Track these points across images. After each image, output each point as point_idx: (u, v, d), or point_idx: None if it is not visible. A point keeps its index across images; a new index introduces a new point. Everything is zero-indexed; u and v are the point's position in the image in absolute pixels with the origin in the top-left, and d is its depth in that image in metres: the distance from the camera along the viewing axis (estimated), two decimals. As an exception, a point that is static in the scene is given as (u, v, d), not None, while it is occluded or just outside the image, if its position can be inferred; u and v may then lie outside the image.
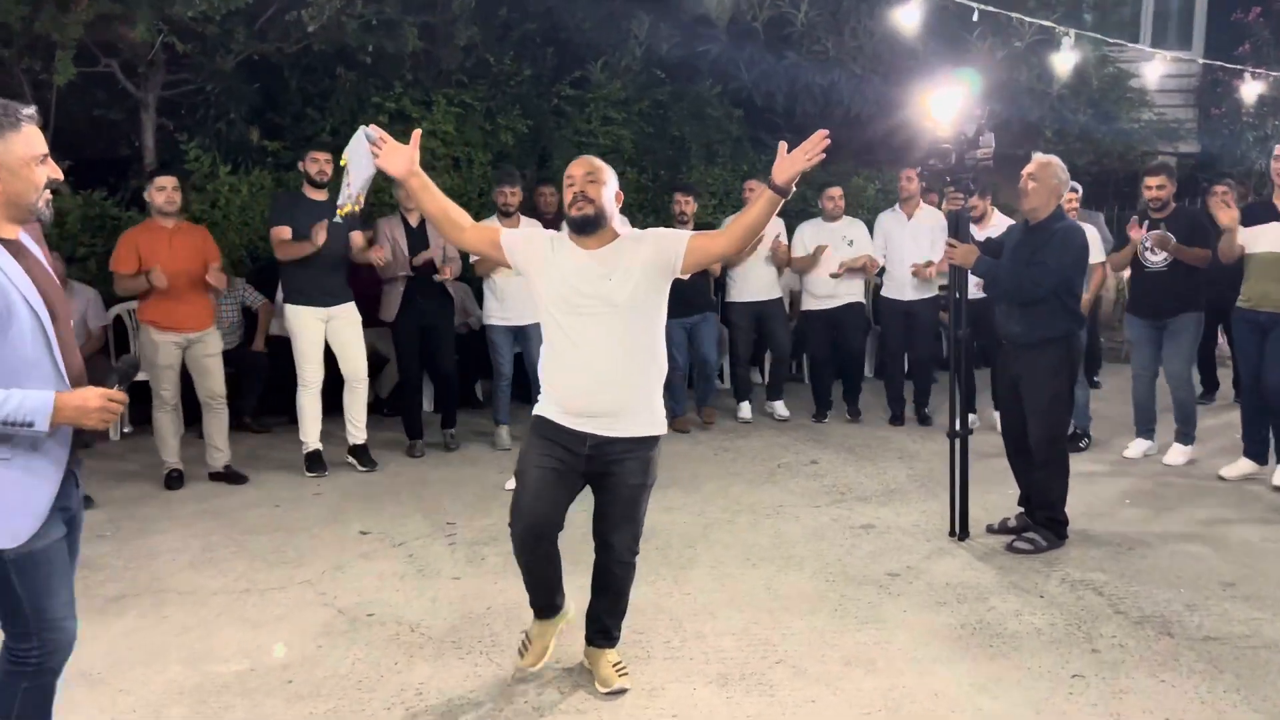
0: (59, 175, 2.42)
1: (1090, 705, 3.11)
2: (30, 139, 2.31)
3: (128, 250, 5.46)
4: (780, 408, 7.28)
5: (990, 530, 4.75)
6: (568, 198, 2.97)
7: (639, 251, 2.98)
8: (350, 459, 5.97)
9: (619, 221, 3.05)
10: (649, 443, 3.06)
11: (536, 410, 3.08)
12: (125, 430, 6.90)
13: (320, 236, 5.47)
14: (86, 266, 6.86)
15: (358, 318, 5.92)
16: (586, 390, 2.95)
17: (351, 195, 3.11)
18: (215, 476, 5.69)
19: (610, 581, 3.19)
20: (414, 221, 6.18)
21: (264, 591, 4.06)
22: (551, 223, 6.42)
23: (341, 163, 3.19)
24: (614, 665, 3.23)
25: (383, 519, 4.98)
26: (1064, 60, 7.22)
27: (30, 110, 2.35)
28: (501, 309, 6.29)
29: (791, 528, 4.83)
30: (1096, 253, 6.28)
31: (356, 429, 5.97)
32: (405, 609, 3.87)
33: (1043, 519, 4.54)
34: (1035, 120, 9.30)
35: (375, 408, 7.35)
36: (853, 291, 7.15)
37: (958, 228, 4.51)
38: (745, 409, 7.24)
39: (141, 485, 5.63)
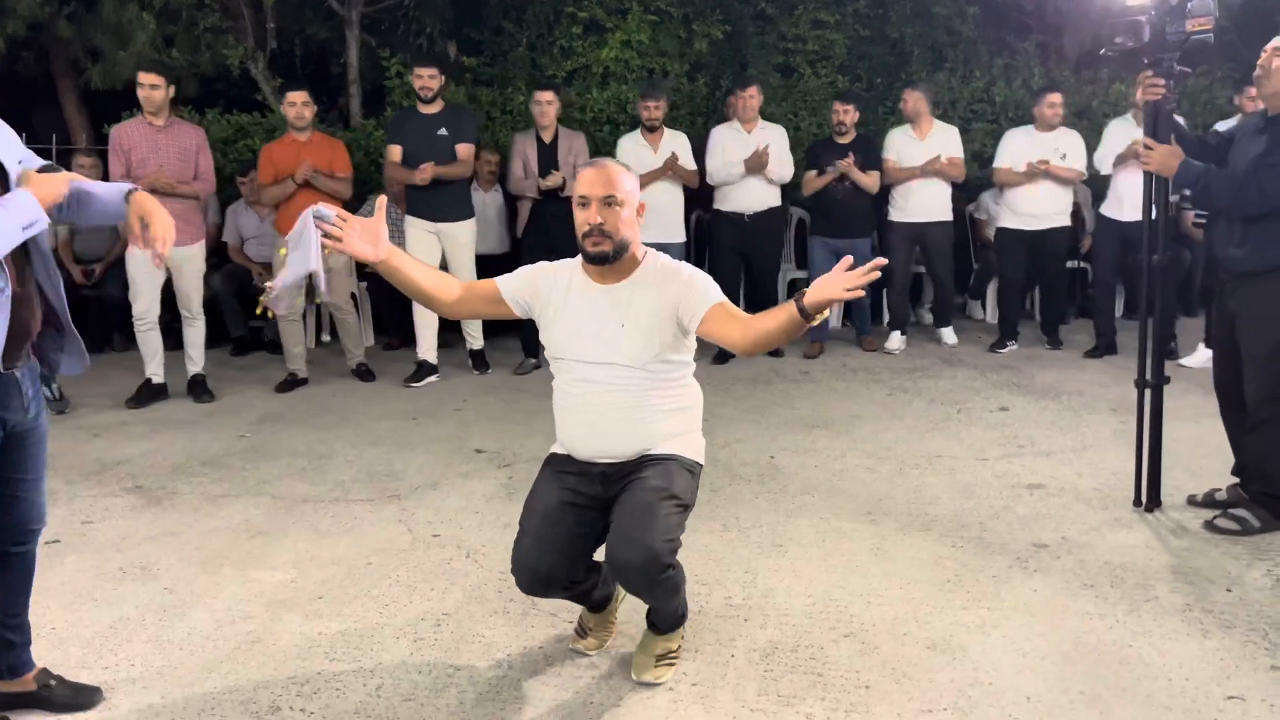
0: None
1: (1234, 742, 2.36)
2: None
3: (266, 161, 5.77)
4: (949, 334, 6.75)
5: (1192, 502, 3.86)
6: (581, 223, 2.55)
7: (657, 294, 2.57)
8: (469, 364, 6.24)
9: (639, 246, 2.64)
10: (672, 457, 2.63)
11: (552, 449, 2.78)
12: (324, 339, 7.23)
13: (424, 175, 5.57)
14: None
15: (470, 237, 5.94)
16: (588, 439, 2.65)
17: (276, 294, 2.55)
18: (353, 372, 6.15)
19: (646, 599, 2.68)
20: (547, 139, 5.97)
21: (350, 503, 4.00)
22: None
23: (280, 252, 2.73)
24: (658, 655, 2.73)
25: (505, 439, 4.81)
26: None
27: None
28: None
29: (938, 481, 4.16)
30: None
31: (473, 337, 6.19)
32: (473, 534, 3.66)
33: (1257, 494, 3.60)
34: None
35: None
36: (1060, 212, 6.38)
37: (1156, 124, 3.58)
38: (895, 339, 6.64)
39: (318, 388, 5.90)
